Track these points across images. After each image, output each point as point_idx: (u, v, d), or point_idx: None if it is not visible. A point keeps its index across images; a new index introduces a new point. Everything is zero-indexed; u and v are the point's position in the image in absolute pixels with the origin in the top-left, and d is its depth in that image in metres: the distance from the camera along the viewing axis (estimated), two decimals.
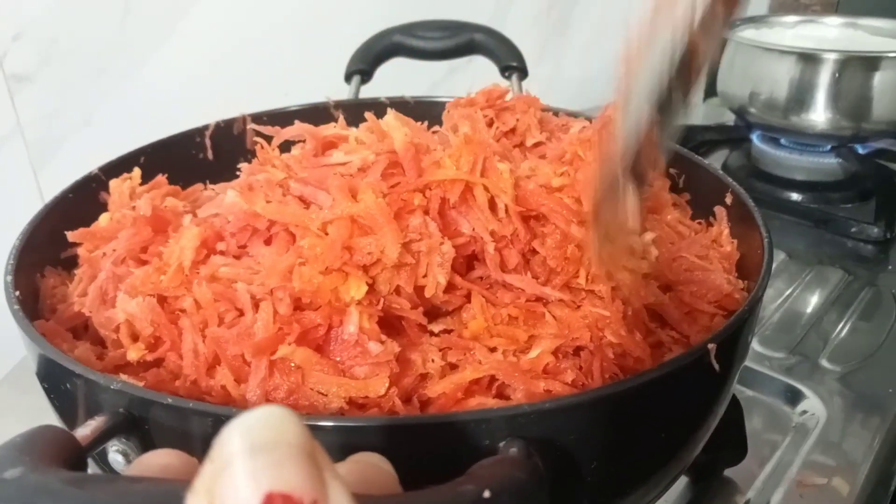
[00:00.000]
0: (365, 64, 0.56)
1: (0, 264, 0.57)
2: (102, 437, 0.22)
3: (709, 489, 0.47)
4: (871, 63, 0.78)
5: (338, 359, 0.27)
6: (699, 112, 1.27)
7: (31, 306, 0.32)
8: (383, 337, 0.27)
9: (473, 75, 0.97)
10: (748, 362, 0.56)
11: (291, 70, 0.80)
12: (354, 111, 0.48)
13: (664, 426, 0.26)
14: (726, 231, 0.39)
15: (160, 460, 0.18)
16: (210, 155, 0.48)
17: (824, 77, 0.80)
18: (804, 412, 0.53)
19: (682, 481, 0.47)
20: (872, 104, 0.80)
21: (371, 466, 0.18)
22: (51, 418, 0.48)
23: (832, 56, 0.78)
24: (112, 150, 0.68)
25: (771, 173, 0.90)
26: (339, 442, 0.21)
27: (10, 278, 0.30)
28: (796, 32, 0.92)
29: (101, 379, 0.24)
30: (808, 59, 0.80)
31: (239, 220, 0.31)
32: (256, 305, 0.28)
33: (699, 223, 0.41)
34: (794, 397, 0.54)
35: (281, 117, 0.51)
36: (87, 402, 0.25)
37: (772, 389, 0.55)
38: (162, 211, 0.35)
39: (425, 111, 0.51)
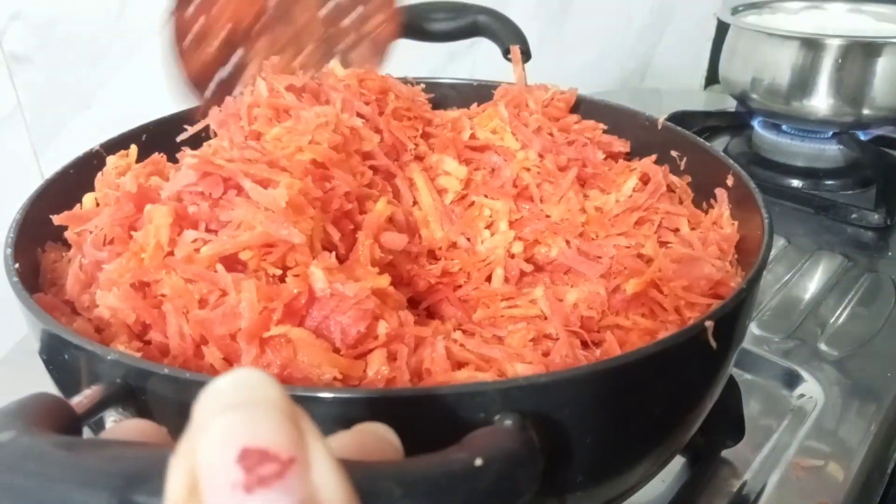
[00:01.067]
0: None
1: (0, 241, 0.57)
2: (98, 407, 0.22)
3: (706, 470, 0.47)
4: (874, 49, 0.78)
5: (321, 314, 0.27)
6: (700, 99, 1.26)
7: (31, 281, 0.32)
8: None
9: (474, 60, 0.97)
10: (746, 345, 0.56)
11: None
12: None
13: (660, 404, 0.26)
14: (727, 213, 0.38)
15: (136, 426, 0.18)
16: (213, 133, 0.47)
17: (827, 63, 0.79)
18: (802, 395, 0.53)
19: (680, 462, 0.47)
20: (875, 90, 0.79)
21: (373, 436, 0.18)
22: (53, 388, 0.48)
23: (835, 42, 0.78)
24: (113, 131, 0.67)
25: (772, 160, 0.90)
26: (333, 413, 0.21)
27: (9, 251, 0.30)
28: (800, 18, 0.92)
29: (98, 349, 0.24)
30: (811, 45, 0.79)
31: (199, 172, 0.30)
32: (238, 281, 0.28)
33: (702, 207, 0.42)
34: (791, 381, 0.54)
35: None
36: (84, 372, 0.25)
37: (770, 373, 0.55)
38: (147, 189, 0.34)
39: (428, 92, 0.50)
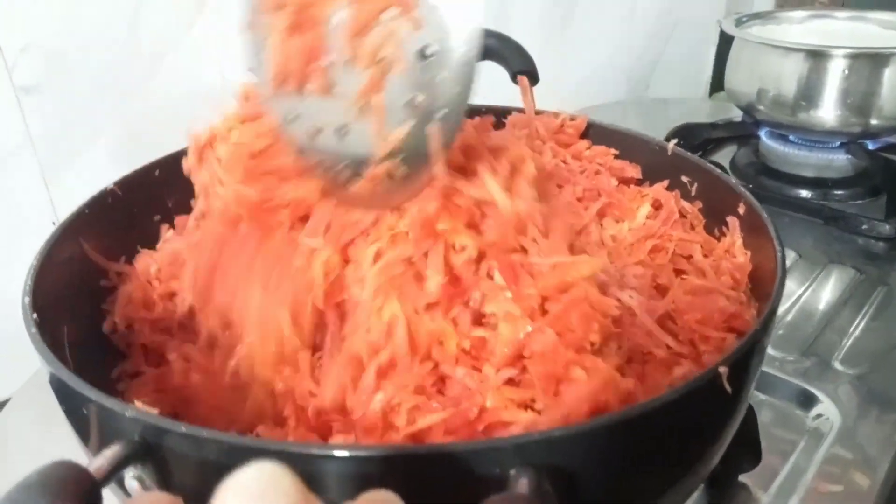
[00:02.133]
0: None
1: (13, 279, 0.58)
2: (118, 467, 0.22)
3: (724, 495, 0.46)
4: (880, 59, 0.77)
5: None
6: (706, 107, 1.26)
7: (51, 330, 0.32)
8: None
9: (477, 83, 0.97)
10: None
11: None
12: None
13: (677, 447, 0.26)
14: (739, 241, 0.38)
15: (152, 500, 0.19)
16: None
17: (833, 74, 0.79)
18: (818, 416, 0.52)
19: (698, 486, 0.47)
20: (882, 100, 0.79)
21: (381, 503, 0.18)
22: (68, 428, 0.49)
23: (840, 52, 0.78)
24: (125, 162, 0.68)
25: (779, 170, 0.90)
26: (348, 471, 0.21)
27: (27, 299, 0.31)
28: (804, 27, 0.92)
29: (115, 406, 0.24)
30: (816, 56, 0.79)
31: None
32: None
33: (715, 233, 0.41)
34: (807, 401, 0.53)
35: None
36: (102, 427, 0.25)
37: (784, 393, 0.54)
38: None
39: None
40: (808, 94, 0.81)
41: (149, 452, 0.23)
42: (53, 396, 0.50)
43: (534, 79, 0.56)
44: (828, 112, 0.81)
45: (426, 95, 0.28)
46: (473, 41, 0.27)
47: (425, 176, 0.30)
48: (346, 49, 0.29)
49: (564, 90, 1.14)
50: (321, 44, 0.29)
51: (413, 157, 0.29)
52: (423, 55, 0.28)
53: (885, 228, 0.76)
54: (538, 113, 0.50)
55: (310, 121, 0.31)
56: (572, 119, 0.48)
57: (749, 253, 0.37)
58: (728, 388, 0.25)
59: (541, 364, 0.27)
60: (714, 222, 0.42)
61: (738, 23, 0.91)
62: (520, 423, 0.26)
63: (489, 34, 0.58)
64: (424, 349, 0.29)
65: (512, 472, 0.21)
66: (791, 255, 0.72)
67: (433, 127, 0.28)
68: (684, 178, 0.44)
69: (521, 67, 0.56)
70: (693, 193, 0.44)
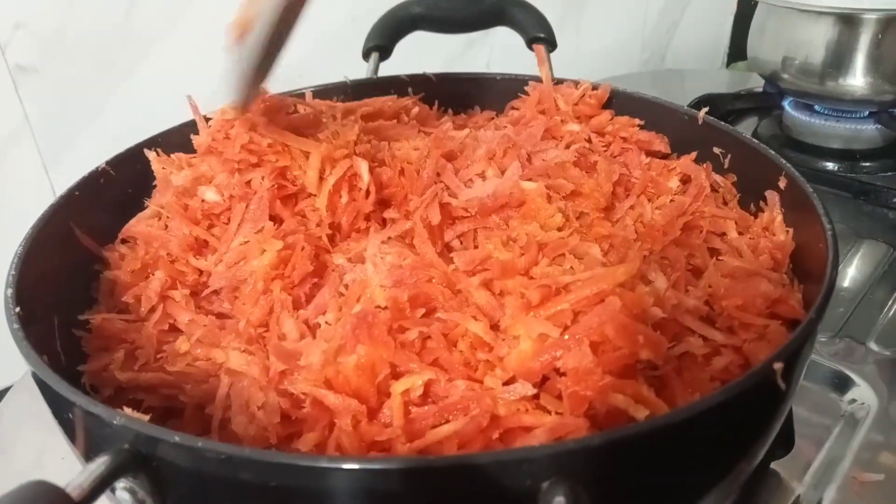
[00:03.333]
0: (383, 39, 0.53)
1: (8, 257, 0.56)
2: (104, 483, 0.20)
3: (756, 484, 0.44)
4: None
5: None
6: (724, 78, 1.22)
7: (41, 315, 0.30)
8: None
9: (492, 48, 0.94)
10: None
11: (304, 51, 0.77)
12: (373, 91, 0.46)
13: (722, 448, 0.24)
14: (779, 218, 0.35)
15: None
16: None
17: (864, 39, 0.75)
18: (853, 400, 0.50)
19: None
20: None
21: None
22: None
23: (873, 15, 0.73)
24: (123, 141, 0.66)
25: (805, 142, 0.86)
26: (371, 485, 0.19)
27: (10, 291, 0.28)
28: None
29: (103, 413, 0.22)
30: (847, 20, 0.75)
31: None
32: None
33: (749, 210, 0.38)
34: (841, 384, 0.51)
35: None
36: (90, 433, 0.23)
37: (818, 376, 0.52)
38: None
39: (448, 88, 0.48)
40: (838, 60, 0.77)
41: (142, 462, 0.21)
42: None
43: (551, 45, 0.53)
44: (858, 80, 0.77)
45: None
46: None
47: None
48: None
49: (580, 63, 1.11)
50: None
51: None
52: None
53: None
54: (557, 82, 0.46)
55: None
56: (594, 88, 0.45)
57: (791, 230, 0.34)
58: (782, 384, 0.22)
59: (575, 385, 0.24)
60: (750, 197, 0.39)
61: None
62: (544, 426, 0.24)
63: None
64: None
65: (545, 485, 0.19)
66: None
67: None
68: (716, 150, 0.41)
69: (538, 33, 0.53)
70: (726, 166, 0.41)
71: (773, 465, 0.45)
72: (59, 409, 0.25)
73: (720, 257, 0.34)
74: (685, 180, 0.41)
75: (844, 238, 0.68)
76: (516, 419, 0.25)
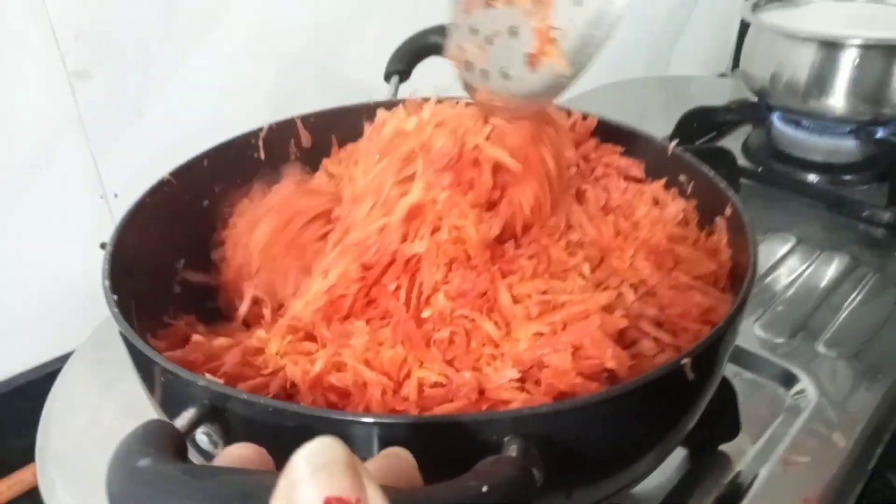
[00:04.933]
0: (403, 64, 0.61)
1: (67, 246, 0.65)
2: (193, 426, 0.28)
3: (705, 462, 0.52)
4: (892, 50, 0.79)
5: None
6: (727, 84, 1.27)
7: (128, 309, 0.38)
8: None
9: None
10: (749, 346, 0.61)
11: (331, 57, 0.84)
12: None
13: (648, 424, 0.31)
14: (724, 240, 0.43)
15: (240, 452, 0.24)
16: (262, 155, 0.53)
17: (845, 63, 0.81)
18: (798, 394, 0.57)
19: (682, 454, 0.52)
20: (892, 89, 0.81)
21: (397, 458, 0.23)
22: (126, 380, 0.56)
23: (853, 42, 0.80)
24: (165, 138, 0.74)
25: (790, 154, 0.92)
26: (376, 433, 0.27)
27: (107, 283, 0.36)
28: (824, 11, 0.93)
29: (190, 377, 0.30)
30: (829, 46, 0.81)
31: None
32: None
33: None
34: (789, 380, 0.58)
35: (326, 118, 0.56)
36: (175, 392, 0.31)
37: (770, 372, 0.59)
38: None
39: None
40: (820, 81, 0.84)
41: (216, 413, 0.29)
42: (114, 351, 0.57)
43: None
44: (838, 100, 0.84)
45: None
46: None
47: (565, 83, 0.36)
48: None
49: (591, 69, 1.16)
50: None
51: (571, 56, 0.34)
52: None
53: (886, 215, 0.79)
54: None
55: (489, 27, 0.37)
56: (584, 118, 0.52)
57: (731, 251, 0.42)
58: (691, 375, 0.30)
59: (552, 378, 0.32)
60: (706, 220, 0.46)
61: (755, 7, 0.93)
62: (517, 401, 0.32)
63: None
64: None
65: (506, 439, 0.27)
66: (791, 241, 0.76)
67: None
68: (682, 178, 0.48)
69: None
70: (689, 192, 0.48)
71: (721, 448, 0.53)
72: (147, 371, 0.33)
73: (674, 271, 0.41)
74: (656, 202, 0.48)
75: (814, 248, 0.75)
76: (498, 395, 0.33)
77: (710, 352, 0.32)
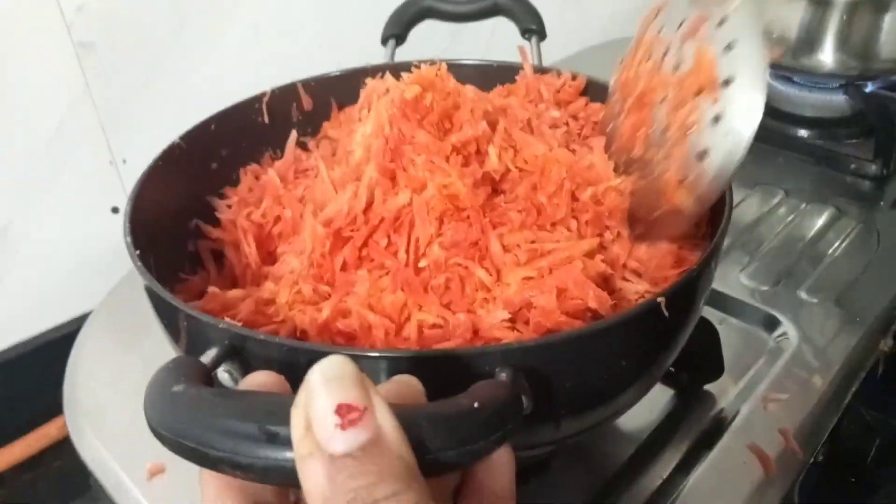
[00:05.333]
0: (398, 28, 0.63)
1: (76, 209, 0.68)
2: (216, 363, 0.31)
3: (690, 401, 0.55)
4: (881, 5, 0.81)
5: None
6: None
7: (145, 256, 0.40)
8: None
9: (493, 31, 1.01)
10: (734, 293, 0.64)
11: (332, 23, 0.86)
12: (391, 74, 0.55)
13: (628, 357, 0.35)
14: None
15: (260, 379, 0.27)
16: (266, 119, 0.55)
17: (833, 20, 0.83)
18: (780, 336, 0.61)
19: (668, 393, 0.56)
20: (881, 44, 0.83)
21: (406, 384, 0.27)
22: (143, 337, 0.59)
23: (841, 0, 0.81)
24: (169, 106, 0.76)
25: (783, 110, 0.94)
26: (382, 366, 0.30)
27: (129, 239, 0.39)
28: None
29: (211, 320, 0.33)
30: (818, 3, 0.83)
31: None
32: None
33: None
34: (771, 324, 0.62)
35: (326, 82, 0.58)
36: (197, 335, 0.35)
37: (754, 317, 0.63)
38: None
39: (455, 73, 0.57)
40: (809, 38, 0.85)
41: (235, 352, 0.32)
42: (131, 311, 0.60)
43: (541, 35, 0.62)
44: (827, 55, 0.85)
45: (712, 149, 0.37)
46: (752, 123, 0.36)
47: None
48: (664, 120, 0.40)
49: (590, 30, 1.17)
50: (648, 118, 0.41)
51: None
52: (715, 119, 0.36)
53: (872, 168, 0.81)
54: (543, 71, 0.56)
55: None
56: (573, 79, 0.54)
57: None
58: (666, 313, 0.33)
59: (540, 317, 0.35)
60: None
61: None
62: (508, 338, 0.35)
63: None
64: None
65: (497, 370, 0.30)
66: (779, 194, 0.79)
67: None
68: None
69: (530, 24, 0.62)
70: None
71: (706, 388, 0.56)
72: (171, 318, 0.36)
73: None
74: None
75: (801, 201, 0.78)
76: (490, 333, 0.37)
77: (685, 292, 0.35)
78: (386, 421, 0.21)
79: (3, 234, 0.73)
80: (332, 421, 0.20)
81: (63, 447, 0.78)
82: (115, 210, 0.80)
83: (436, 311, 0.36)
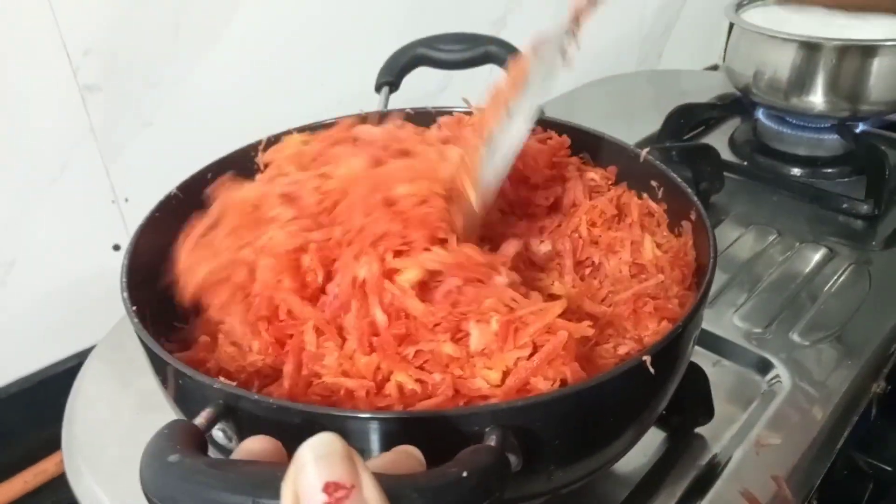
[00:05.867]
0: (392, 76, 0.64)
1: (78, 246, 0.68)
2: (211, 424, 0.32)
3: (681, 445, 0.56)
4: (869, 51, 0.82)
5: None
6: (719, 77, 1.30)
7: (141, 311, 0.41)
8: None
9: (482, 76, 1.03)
10: (727, 335, 0.64)
11: (325, 70, 0.88)
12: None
13: (615, 412, 0.35)
14: (690, 243, 0.47)
15: (257, 446, 0.28)
16: (262, 167, 0.57)
17: (824, 63, 0.84)
18: (772, 381, 0.61)
19: (660, 436, 0.56)
20: (869, 88, 0.85)
21: (406, 454, 0.27)
22: (141, 376, 0.59)
23: (831, 44, 0.83)
24: (171, 146, 0.77)
25: (775, 148, 0.96)
26: (374, 428, 0.31)
27: (125, 294, 0.40)
28: (802, 17, 0.95)
29: (205, 380, 0.33)
30: (810, 47, 0.84)
31: None
32: None
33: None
34: (764, 367, 0.62)
35: (320, 129, 0.59)
36: (191, 393, 0.35)
37: (746, 360, 0.63)
38: None
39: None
40: (801, 80, 0.87)
41: (230, 412, 0.33)
42: (129, 351, 0.60)
43: None
44: (818, 97, 0.87)
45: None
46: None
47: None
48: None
49: (578, 64, 1.19)
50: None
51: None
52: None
53: (864, 208, 0.82)
54: None
55: None
56: (560, 135, 0.56)
57: (695, 253, 0.46)
58: (652, 370, 0.33)
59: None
60: (675, 222, 0.50)
61: (738, 7, 0.96)
62: (496, 397, 0.35)
63: (491, 41, 0.66)
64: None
65: (487, 429, 0.31)
66: (772, 234, 0.80)
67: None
68: (653, 183, 0.52)
69: None
70: (660, 196, 0.52)
71: (698, 431, 0.57)
72: (166, 374, 0.36)
73: (644, 276, 0.45)
74: (617, 205, 0.52)
75: (794, 241, 0.79)
76: (477, 392, 0.37)
77: (670, 349, 0.36)
78: (372, 495, 0.22)
79: (8, 269, 0.74)
80: (319, 499, 0.21)
81: (60, 484, 0.79)
82: (116, 248, 0.81)
83: (413, 374, 0.37)
